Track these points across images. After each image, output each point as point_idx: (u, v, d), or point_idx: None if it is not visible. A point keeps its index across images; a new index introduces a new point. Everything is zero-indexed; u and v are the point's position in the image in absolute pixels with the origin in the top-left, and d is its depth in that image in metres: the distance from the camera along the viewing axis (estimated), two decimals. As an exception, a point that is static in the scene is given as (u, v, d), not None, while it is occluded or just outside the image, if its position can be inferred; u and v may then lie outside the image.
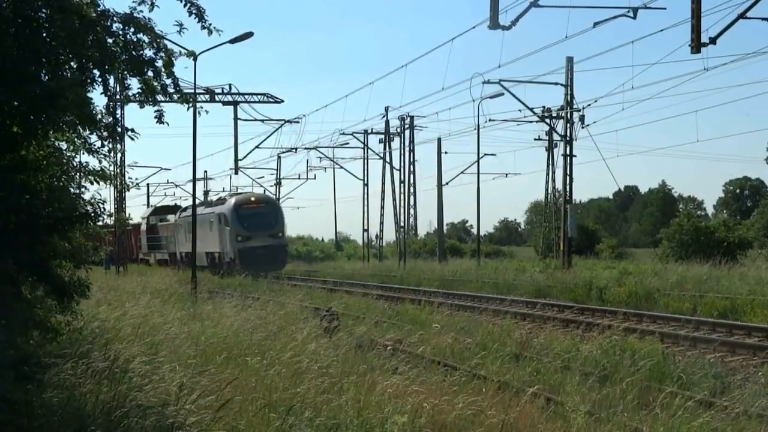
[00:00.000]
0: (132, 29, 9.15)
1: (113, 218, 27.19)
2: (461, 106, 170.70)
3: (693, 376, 13.46)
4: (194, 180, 37.52)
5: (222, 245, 52.29)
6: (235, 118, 53.10)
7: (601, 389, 12.02)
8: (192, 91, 31.87)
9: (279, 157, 64.77)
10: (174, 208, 70.05)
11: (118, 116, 10.20)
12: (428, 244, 73.42)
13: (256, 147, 58.18)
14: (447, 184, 62.71)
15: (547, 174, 62.26)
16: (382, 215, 69.96)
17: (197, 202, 67.20)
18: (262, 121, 53.56)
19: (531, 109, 47.67)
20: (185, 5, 9.34)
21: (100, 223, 11.52)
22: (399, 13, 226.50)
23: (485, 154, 70.78)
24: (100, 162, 10.59)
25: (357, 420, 9.15)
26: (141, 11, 9.25)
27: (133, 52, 9.19)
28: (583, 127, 44.21)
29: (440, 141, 60.94)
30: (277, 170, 74.30)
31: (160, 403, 9.03)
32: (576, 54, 51.15)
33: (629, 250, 73.37)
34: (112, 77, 9.52)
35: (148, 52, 9.29)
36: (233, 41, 32.91)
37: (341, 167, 67.90)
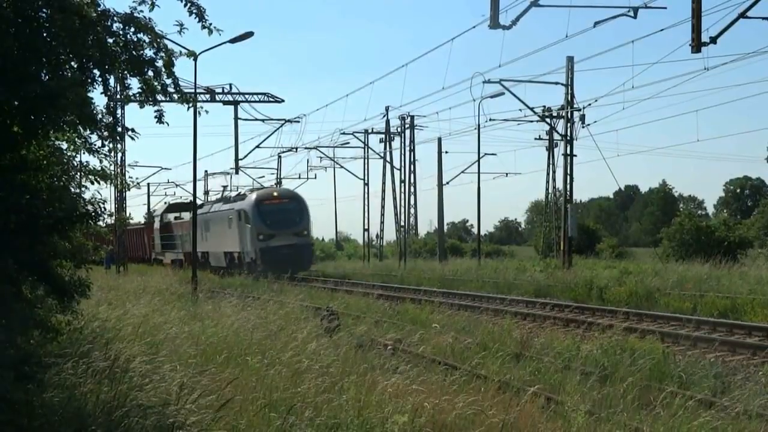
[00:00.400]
0: (132, 29, 9.15)
1: (114, 218, 27.24)
2: (462, 105, 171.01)
3: (693, 376, 13.47)
4: (194, 180, 37.41)
5: (242, 244, 48.97)
6: (236, 118, 53.03)
7: (602, 389, 12.02)
8: (192, 90, 31.89)
9: (279, 157, 64.78)
10: (189, 205, 65.70)
11: (118, 116, 10.19)
12: (428, 243, 73.42)
13: (257, 147, 58.18)
14: (447, 183, 62.81)
15: (548, 173, 62.35)
16: (382, 215, 69.98)
17: (214, 198, 65.01)
18: (263, 120, 53.49)
19: (531, 109, 47.69)
20: (185, 5, 9.34)
21: (101, 223, 11.51)
22: (399, 13, 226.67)
23: (486, 154, 70.98)
24: (100, 162, 10.60)
25: (357, 419, 9.16)
26: (141, 11, 9.25)
27: (134, 52, 9.18)
28: (583, 127, 44.22)
29: (441, 140, 61.02)
30: (277, 170, 74.26)
31: (160, 403, 9.03)
32: (576, 53, 51.36)
33: (629, 249, 73.36)
34: (112, 77, 9.52)
35: (149, 52, 9.28)
36: (233, 41, 32.90)
37: (342, 167, 67.93)
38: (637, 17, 28.63)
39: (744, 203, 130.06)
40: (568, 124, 44.90)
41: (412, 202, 67.51)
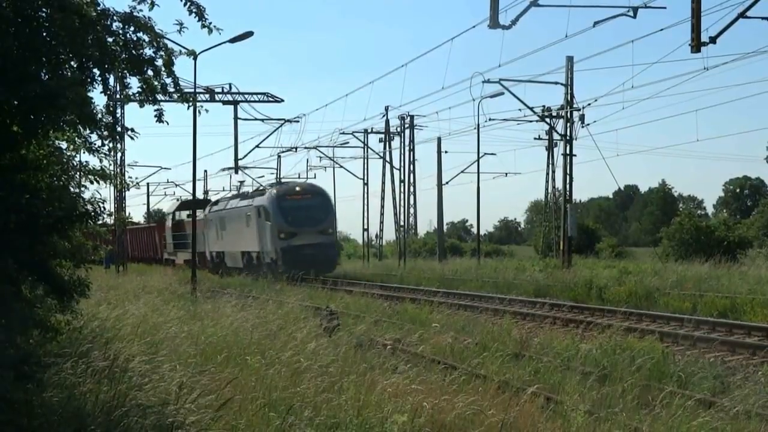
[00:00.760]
0: (132, 28, 9.15)
1: (113, 217, 27.24)
2: (461, 105, 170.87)
3: (693, 376, 13.47)
4: (194, 179, 37.45)
5: (261, 243, 45.34)
6: (235, 118, 52.97)
7: (601, 388, 12.02)
8: (192, 90, 31.91)
9: (279, 157, 64.63)
10: (204, 202, 62.37)
11: (118, 115, 10.21)
12: (428, 243, 73.46)
13: (257, 146, 58.02)
14: (447, 183, 62.85)
15: (547, 173, 62.31)
16: (382, 214, 69.94)
17: (232, 193, 60.89)
18: (262, 120, 53.39)
19: (531, 109, 47.69)
20: (185, 4, 9.34)
21: (100, 223, 11.52)
22: (399, 13, 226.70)
23: (485, 154, 71.08)
24: (100, 161, 10.61)
25: (357, 419, 9.16)
26: (141, 10, 9.25)
27: (133, 51, 9.19)
28: (583, 127, 44.24)
29: (440, 140, 61.04)
30: (277, 170, 74.26)
31: (159, 403, 9.04)
32: (576, 53, 51.33)
33: (629, 249, 73.38)
34: (112, 76, 9.52)
35: (148, 51, 9.29)
36: (233, 40, 32.92)
37: (341, 167, 67.76)
38: (636, 17, 28.64)
39: (743, 203, 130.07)
40: (568, 124, 44.93)
41: (411, 201, 67.52)
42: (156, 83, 9.47)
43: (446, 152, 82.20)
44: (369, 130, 64.89)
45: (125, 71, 9.42)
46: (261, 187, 51.83)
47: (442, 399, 10.00)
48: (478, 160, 55.63)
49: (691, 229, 49.94)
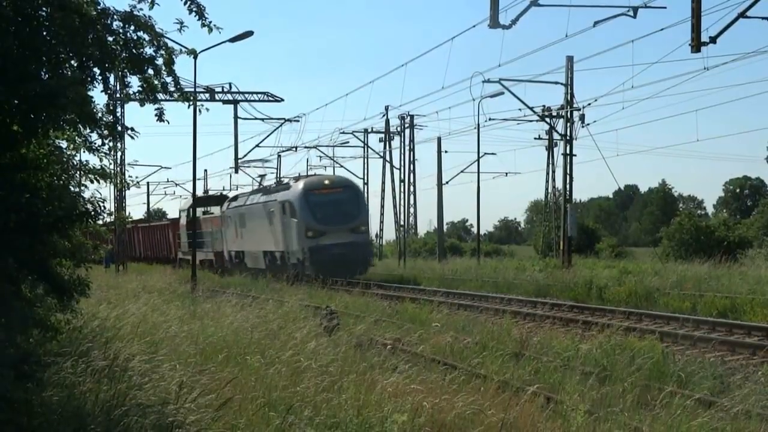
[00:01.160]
0: (132, 27, 9.15)
1: (113, 217, 27.22)
2: (461, 105, 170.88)
3: (693, 376, 13.45)
4: (194, 179, 37.55)
5: (286, 242, 41.33)
6: (235, 117, 52.94)
7: (601, 388, 12.02)
8: (192, 89, 31.93)
9: (279, 156, 64.64)
10: (220, 198, 59.06)
11: (118, 114, 10.19)
12: (428, 243, 73.46)
13: (257, 146, 58.03)
14: (447, 183, 62.78)
15: (547, 173, 62.34)
16: (382, 214, 70.00)
17: (252, 188, 56.02)
18: (262, 119, 53.37)
19: (531, 108, 47.68)
20: (185, 3, 9.33)
21: (101, 222, 11.52)
22: (399, 13, 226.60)
23: (485, 153, 71.19)
24: (100, 160, 10.60)
25: (357, 419, 9.16)
26: (141, 9, 9.25)
27: (134, 50, 9.18)
28: (583, 127, 44.22)
29: (440, 140, 60.99)
30: (277, 169, 74.27)
31: (159, 402, 9.04)
32: (576, 53, 51.34)
33: (629, 249, 73.38)
34: (112, 75, 9.52)
35: (149, 50, 9.28)
36: (233, 40, 32.96)
37: (341, 166, 67.72)
38: (636, 17, 28.64)
39: (743, 203, 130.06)
40: (568, 124, 44.92)
41: (411, 201, 67.55)
42: (156, 82, 9.47)
43: (446, 152, 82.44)
44: (369, 130, 64.97)
45: (125, 70, 9.42)
46: (285, 181, 47.47)
47: (442, 398, 10.00)
48: (478, 160, 55.69)
49: (691, 229, 49.95)
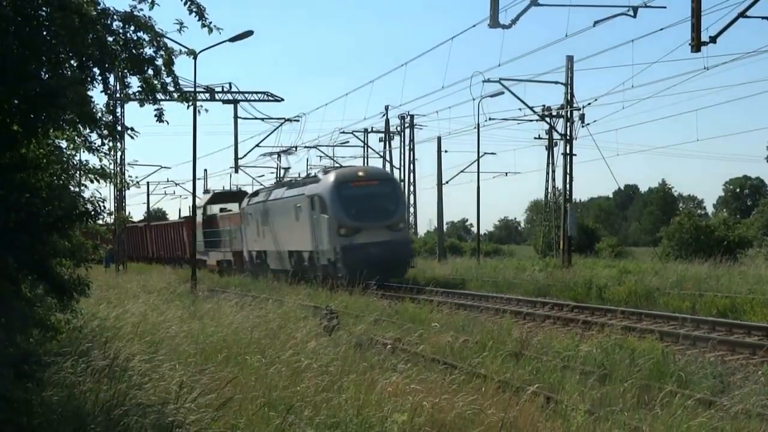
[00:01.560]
0: (132, 27, 9.16)
1: (113, 217, 27.17)
2: (461, 104, 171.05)
3: (693, 375, 13.47)
4: (194, 179, 37.53)
5: (316, 241, 37.27)
6: (235, 117, 52.95)
7: (601, 388, 12.03)
8: (192, 89, 31.92)
9: (279, 156, 64.63)
10: (238, 194, 55.53)
11: (118, 115, 10.20)
12: (428, 242, 73.40)
13: (256, 146, 57.95)
14: (447, 182, 62.74)
15: (547, 173, 62.32)
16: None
17: (275, 182, 50.90)
18: (262, 119, 53.37)
19: (531, 108, 47.68)
20: (185, 3, 9.34)
21: (101, 222, 11.52)
22: (399, 12, 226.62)
23: (485, 153, 71.17)
24: (100, 160, 10.60)
25: (357, 418, 9.17)
26: (141, 9, 9.25)
27: (133, 51, 9.19)
28: (583, 126, 44.24)
29: (440, 140, 60.95)
30: (276, 169, 74.27)
31: (159, 402, 9.04)
32: (576, 53, 51.30)
33: (629, 249, 73.37)
34: (112, 75, 9.52)
35: (148, 51, 9.28)
36: (233, 40, 32.96)
37: (341, 166, 67.82)
38: (636, 16, 28.66)
39: (743, 203, 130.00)
40: (568, 124, 44.94)
41: (411, 201, 67.56)
42: (156, 82, 9.47)
43: (446, 152, 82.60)
44: (369, 130, 65.10)
45: (125, 70, 9.43)
46: (313, 173, 43.56)
47: (442, 398, 10.00)
48: (478, 160, 55.66)
49: (690, 228, 49.95)
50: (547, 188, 63.39)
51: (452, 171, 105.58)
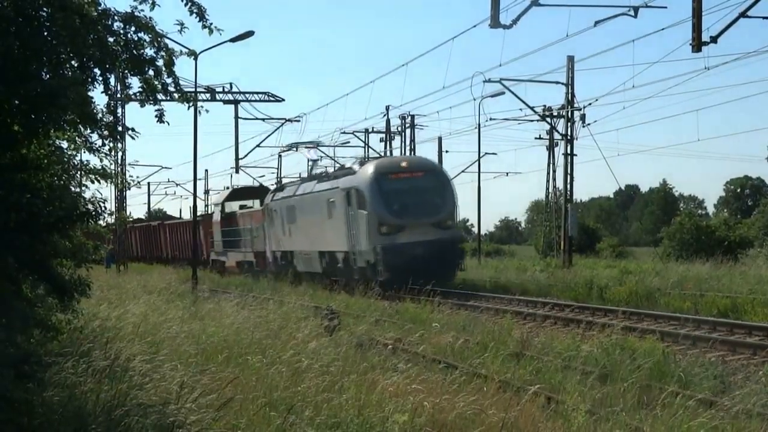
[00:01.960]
0: (133, 28, 9.17)
1: (114, 217, 27.12)
2: (462, 105, 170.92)
3: (694, 376, 13.46)
4: (195, 179, 37.52)
5: (352, 241, 33.06)
6: (236, 117, 52.95)
7: (602, 388, 12.03)
8: (193, 90, 31.92)
9: (280, 156, 64.54)
10: (259, 190, 51.83)
11: (118, 115, 10.22)
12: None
13: (257, 146, 57.87)
14: (448, 182, 62.57)
15: (548, 173, 62.32)
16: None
17: (301, 176, 46.13)
18: (263, 120, 53.34)
19: (532, 108, 47.70)
20: (186, 4, 9.36)
21: (102, 222, 11.52)
22: (399, 13, 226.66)
23: (486, 153, 70.98)
24: (100, 161, 10.62)
25: (357, 419, 9.16)
26: (142, 10, 9.28)
27: (134, 51, 9.21)
28: (584, 126, 44.33)
29: (441, 140, 61.09)
30: (278, 169, 74.23)
31: (160, 402, 9.04)
32: (577, 53, 51.30)
33: (630, 249, 73.42)
34: (112, 76, 9.54)
35: (149, 51, 9.31)
36: (234, 40, 32.92)
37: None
38: (637, 16, 28.67)
39: (744, 203, 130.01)
40: (569, 124, 44.96)
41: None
42: (157, 83, 9.48)
43: (447, 152, 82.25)
44: (370, 130, 64.84)
45: (126, 71, 9.45)
46: (347, 165, 39.02)
47: (443, 398, 10.00)
48: (479, 160, 55.76)
49: (691, 228, 49.98)
50: (547, 188, 63.42)
51: (453, 171, 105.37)
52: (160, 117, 9.85)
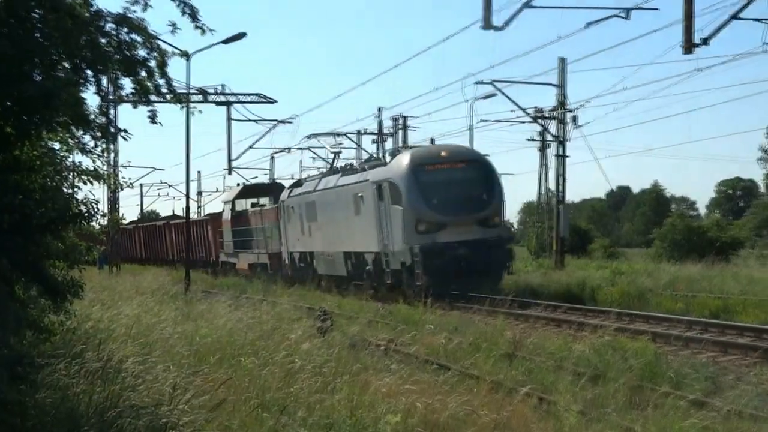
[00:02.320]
0: (125, 29, 9.15)
1: (107, 218, 26.92)
2: (454, 106, 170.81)
3: (685, 376, 13.49)
4: (188, 180, 37.46)
5: (384, 240, 29.25)
6: (228, 119, 52.94)
7: (594, 389, 12.06)
8: (185, 91, 31.88)
9: (272, 157, 64.42)
10: (273, 187, 48.90)
11: (111, 116, 10.19)
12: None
13: (250, 147, 57.82)
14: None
15: (540, 174, 62.30)
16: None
17: (323, 171, 42.74)
18: (256, 121, 53.30)
19: (523, 110, 47.72)
20: (178, 5, 9.33)
21: (94, 223, 11.50)
22: (392, 14, 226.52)
23: (478, 154, 70.81)
24: (93, 162, 10.58)
25: (350, 419, 9.17)
26: (134, 11, 9.25)
27: (126, 52, 9.19)
28: (575, 128, 44.36)
29: (433, 141, 60.82)
30: (270, 170, 74.22)
31: (153, 403, 9.03)
32: (569, 54, 51.14)
33: (622, 250, 73.46)
34: (105, 77, 9.52)
35: (142, 52, 9.29)
36: (226, 41, 32.90)
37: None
38: (629, 18, 28.73)
39: (736, 204, 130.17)
40: (561, 125, 45.03)
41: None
42: (149, 84, 9.47)
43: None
44: (362, 131, 64.83)
45: (118, 72, 9.43)
46: (377, 156, 34.60)
47: (435, 399, 10.02)
48: (471, 161, 55.45)
49: (683, 229, 50.15)
50: (539, 189, 63.39)
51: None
52: (152, 118, 9.83)
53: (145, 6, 9.36)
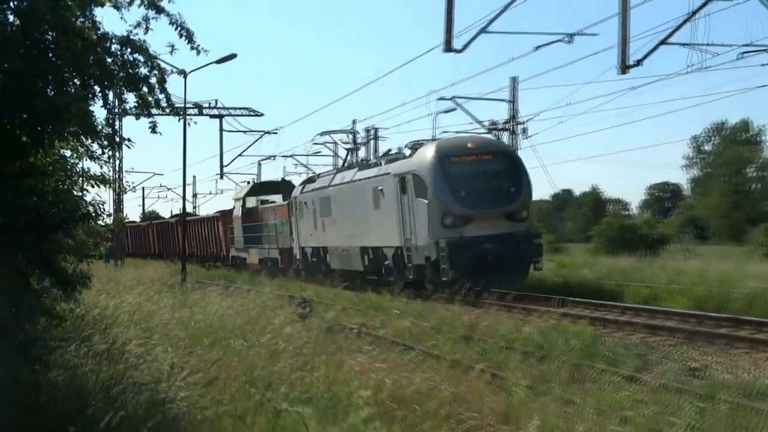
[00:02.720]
0: (129, 50, 9.11)
1: (112, 218, 26.72)
2: (419, 119, 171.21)
3: (619, 356, 13.58)
4: (184, 184, 37.23)
5: (406, 234, 25.85)
6: (221, 130, 52.79)
7: (540, 366, 12.12)
8: (182, 105, 31.69)
9: (259, 164, 64.09)
10: (282, 185, 45.33)
11: (116, 127, 10.14)
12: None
13: (239, 155, 57.62)
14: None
15: (494, 179, 62.41)
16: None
17: (340, 166, 39.05)
18: (245, 132, 53.17)
19: (480, 123, 47.61)
20: (176, 29, 9.31)
21: (101, 222, 11.43)
22: (365, 38, 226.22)
23: (440, 162, 70.65)
24: (100, 168, 10.52)
25: (327, 394, 9.17)
26: (137, 34, 9.21)
27: (130, 70, 9.15)
28: (525, 138, 44.47)
29: (401, 150, 60.77)
30: (257, 176, 73.79)
31: (153, 381, 8.99)
32: (520, 74, 51.33)
33: (565, 245, 73.80)
34: (111, 92, 9.46)
35: (143, 70, 9.25)
36: (219, 62, 32.71)
37: (314, 173, 67.38)
38: (572, 42, 28.85)
39: (663, 205, 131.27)
40: (512, 136, 45.16)
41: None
42: (150, 99, 9.43)
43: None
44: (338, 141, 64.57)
45: (123, 88, 9.38)
46: (401, 149, 30.05)
47: (402, 376, 10.03)
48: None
49: (618, 227, 50.49)
50: (493, 192, 63.49)
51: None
52: (153, 128, 9.79)
53: (147, 29, 9.32)
